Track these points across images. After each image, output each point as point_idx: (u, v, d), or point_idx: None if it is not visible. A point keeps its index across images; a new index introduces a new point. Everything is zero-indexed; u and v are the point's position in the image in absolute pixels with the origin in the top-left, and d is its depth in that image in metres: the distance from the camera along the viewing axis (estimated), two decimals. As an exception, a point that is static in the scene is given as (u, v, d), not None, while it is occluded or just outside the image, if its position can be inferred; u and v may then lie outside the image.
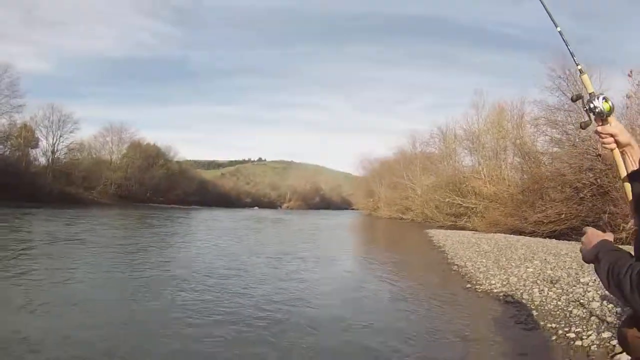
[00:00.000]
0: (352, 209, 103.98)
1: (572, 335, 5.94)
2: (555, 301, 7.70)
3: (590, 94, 1.84)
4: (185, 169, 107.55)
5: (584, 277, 9.00)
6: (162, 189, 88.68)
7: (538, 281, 9.48)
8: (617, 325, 5.47)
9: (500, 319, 7.36)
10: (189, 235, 25.97)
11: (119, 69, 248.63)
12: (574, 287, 8.35)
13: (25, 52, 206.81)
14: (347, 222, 51.73)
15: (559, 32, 1.99)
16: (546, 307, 7.49)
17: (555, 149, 26.31)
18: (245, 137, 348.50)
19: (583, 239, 1.68)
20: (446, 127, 48.54)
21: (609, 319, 6.23)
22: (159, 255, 15.40)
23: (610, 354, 5.19)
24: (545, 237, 20.17)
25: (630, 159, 1.77)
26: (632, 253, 1.56)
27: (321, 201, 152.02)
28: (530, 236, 21.23)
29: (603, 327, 5.96)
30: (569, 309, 7.05)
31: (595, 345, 5.51)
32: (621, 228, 14.52)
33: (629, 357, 1.74)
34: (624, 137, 1.78)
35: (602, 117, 1.81)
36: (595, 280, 8.47)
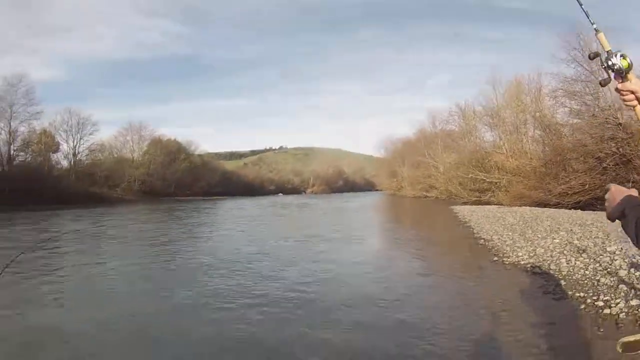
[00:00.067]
0: (376, 190, 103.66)
1: (601, 303, 5.90)
2: (582, 270, 7.65)
3: (607, 51, 1.78)
4: (207, 161, 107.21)
5: (610, 245, 8.91)
6: (186, 182, 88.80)
7: (565, 251, 9.42)
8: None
9: (528, 290, 7.34)
10: (216, 224, 26.21)
11: (135, 69, 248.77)
12: (600, 256, 8.28)
13: (38, 61, 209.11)
14: (372, 203, 51.71)
15: None
16: (574, 277, 7.45)
17: (575, 120, 25.75)
18: (265, 127, 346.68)
19: (607, 195, 1.64)
20: (465, 104, 47.94)
21: (637, 286, 6.19)
22: (188, 245, 15.68)
23: (639, 322, 5.18)
24: (570, 209, 19.89)
25: None
26: None
27: (345, 184, 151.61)
28: (555, 208, 20.96)
29: (631, 295, 5.93)
30: (597, 278, 7.00)
31: (623, 313, 5.49)
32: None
33: None
34: None
35: (622, 75, 1.75)
36: (622, 248, 8.41)
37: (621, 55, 1.75)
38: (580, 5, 1.93)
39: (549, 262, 8.85)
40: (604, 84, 1.86)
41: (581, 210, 18.94)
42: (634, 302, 5.63)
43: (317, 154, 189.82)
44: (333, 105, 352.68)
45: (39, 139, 57.62)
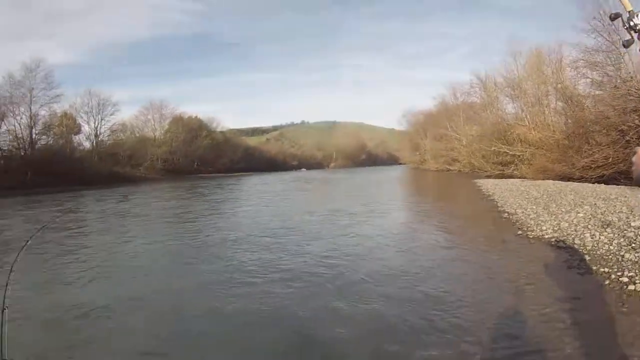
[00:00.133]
0: (399, 164, 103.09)
1: (625, 279, 5.88)
2: (607, 245, 7.58)
3: (629, 12, 1.75)
4: (229, 138, 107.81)
5: (635, 221, 8.77)
6: (209, 159, 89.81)
7: (589, 226, 9.31)
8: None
9: (552, 264, 7.32)
10: (240, 200, 26.51)
11: (155, 48, 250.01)
12: (625, 231, 8.18)
13: (57, 45, 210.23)
14: (395, 177, 51.57)
15: None
16: (598, 252, 7.40)
17: (597, 92, 24.96)
18: (286, 102, 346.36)
19: (634, 159, 1.62)
20: (485, 75, 46.92)
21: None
22: (213, 221, 15.83)
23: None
24: (593, 183, 19.47)
25: None
26: None
27: (367, 158, 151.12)
28: (579, 182, 20.61)
29: (656, 271, 5.89)
30: (621, 253, 6.95)
31: (648, 290, 5.45)
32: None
33: None
34: None
35: None
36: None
37: None
38: None
39: (573, 236, 8.79)
40: (627, 45, 1.84)
41: (605, 184, 18.51)
42: (658, 279, 5.59)
43: (339, 128, 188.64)
44: (354, 79, 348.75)
45: (60, 121, 58.43)
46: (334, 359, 4.42)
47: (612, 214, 10.16)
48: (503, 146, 35.47)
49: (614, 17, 1.87)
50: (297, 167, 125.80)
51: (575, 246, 8.10)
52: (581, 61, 25.91)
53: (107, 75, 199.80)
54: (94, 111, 67.60)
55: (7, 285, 3.11)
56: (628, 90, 20.58)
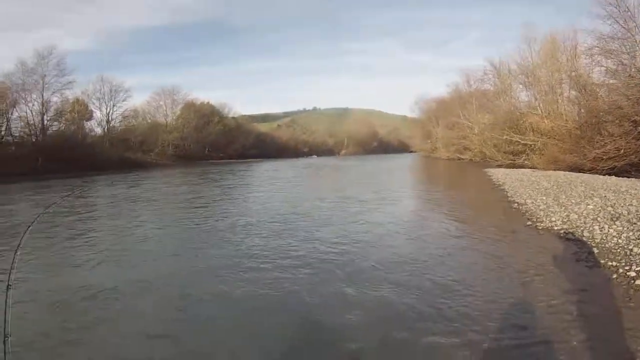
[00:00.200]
0: (410, 152, 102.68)
1: (633, 274, 5.87)
2: (615, 239, 7.57)
3: None
4: (241, 124, 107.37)
5: (645, 214, 8.76)
6: (220, 145, 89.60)
7: (598, 218, 9.29)
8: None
9: (561, 256, 7.32)
10: (251, 185, 26.54)
11: (166, 34, 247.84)
12: (634, 225, 8.15)
13: (70, 32, 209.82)
14: (406, 165, 51.43)
15: None
16: (607, 245, 7.39)
17: (611, 81, 24.27)
18: (298, 89, 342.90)
19: None
20: (499, 62, 46.03)
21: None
22: (224, 206, 15.90)
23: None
24: (604, 174, 19.32)
25: None
26: None
27: (379, 145, 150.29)
28: (589, 173, 20.43)
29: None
30: (630, 247, 6.93)
31: (655, 286, 5.45)
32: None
33: None
34: None
35: None
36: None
37: None
38: None
39: (582, 228, 8.77)
40: None
41: (615, 176, 18.38)
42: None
43: (351, 114, 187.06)
44: (366, 65, 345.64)
45: (72, 107, 58.45)
46: (343, 344, 4.46)
47: (621, 206, 10.12)
48: (515, 135, 35.15)
49: None
50: (308, 154, 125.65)
51: (584, 239, 8.09)
52: (596, 48, 25.07)
53: (118, 62, 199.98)
54: (106, 97, 67.57)
55: (12, 264, 3.20)
56: (643, 79, 20.22)
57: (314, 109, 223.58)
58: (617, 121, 21.63)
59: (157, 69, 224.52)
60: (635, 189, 12.62)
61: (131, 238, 10.32)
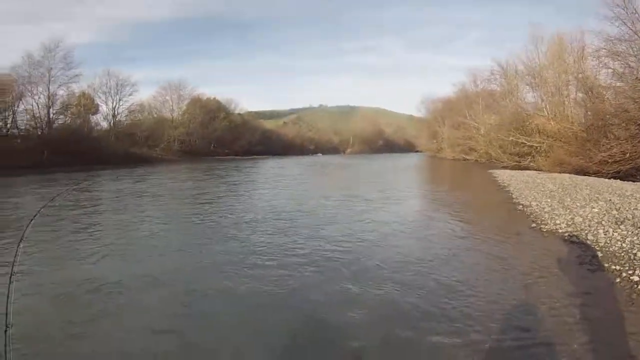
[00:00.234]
0: (416, 152, 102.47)
1: (636, 278, 5.88)
2: (619, 243, 7.57)
3: None
4: (247, 120, 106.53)
5: (649, 218, 8.76)
6: (226, 141, 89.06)
7: (603, 222, 9.28)
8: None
9: (564, 259, 7.33)
10: (256, 182, 26.60)
11: (174, 29, 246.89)
12: (639, 229, 8.17)
13: (77, 25, 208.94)
14: (411, 165, 51.34)
15: None
16: (610, 249, 7.40)
17: (618, 84, 24.09)
18: (304, 86, 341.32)
19: None
20: (506, 63, 45.92)
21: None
22: (228, 203, 15.94)
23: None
24: (609, 178, 19.27)
25: None
26: None
27: (384, 145, 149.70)
28: (595, 176, 20.34)
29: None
30: (634, 252, 6.93)
31: (658, 292, 5.47)
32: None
33: None
34: None
35: None
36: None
37: None
38: None
39: (586, 232, 8.77)
40: None
41: (620, 180, 18.33)
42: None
43: (357, 112, 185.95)
44: (373, 63, 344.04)
45: (78, 101, 58.18)
46: (346, 341, 4.50)
47: (626, 210, 10.11)
48: (521, 136, 35.08)
49: None
50: (314, 152, 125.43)
51: (588, 242, 8.10)
52: (603, 50, 24.82)
53: (125, 56, 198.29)
54: (112, 91, 67.29)
55: (15, 256, 3.24)
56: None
57: (320, 106, 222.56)
58: (623, 124, 21.53)
59: (163, 63, 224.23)
60: (641, 192, 12.61)
61: (136, 233, 10.37)
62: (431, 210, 14.16)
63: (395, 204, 15.02)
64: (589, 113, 27.62)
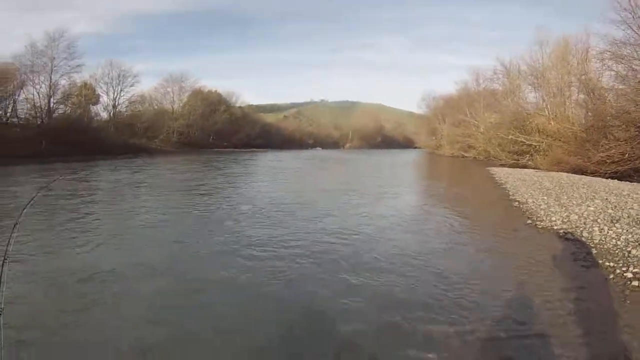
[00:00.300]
0: (415, 148, 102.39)
1: (630, 275, 5.95)
2: (614, 240, 7.63)
3: None
4: (247, 113, 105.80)
5: (645, 217, 8.79)
6: (226, 133, 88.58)
7: (598, 220, 9.34)
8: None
9: (559, 255, 7.37)
10: (255, 175, 26.56)
11: (177, 21, 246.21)
12: (634, 228, 8.22)
13: (82, 15, 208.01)
14: (410, 161, 51.38)
15: None
16: (605, 246, 7.45)
17: (620, 86, 24.19)
18: (305, 81, 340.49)
19: None
20: (510, 63, 45.87)
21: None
22: (226, 194, 15.96)
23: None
24: (607, 178, 19.35)
25: None
26: None
27: (383, 140, 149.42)
28: (592, 176, 20.41)
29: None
30: (628, 249, 6.99)
31: (651, 287, 5.51)
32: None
33: None
34: None
35: None
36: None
37: None
38: None
39: (581, 229, 8.83)
40: None
41: (618, 180, 18.39)
42: (663, 277, 5.63)
43: (358, 108, 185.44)
44: (375, 60, 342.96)
45: (79, 91, 57.79)
46: (342, 330, 4.56)
47: (622, 209, 10.17)
48: (521, 135, 35.15)
49: None
50: (313, 146, 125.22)
51: (583, 239, 8.15)
52: (607, 53, 24.90)
53: (126, 48, 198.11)
54: (113, 82, 66.72)
55: (9, 241, 3.24)
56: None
57: (321, 101, 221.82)
58: (623, 126, 21.66)
59: (165, 56, 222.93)
60: (637, 193, 12.67)
61: (133, 222, 10.36)
62: (429, 205, 14.20)
63: (393, 199, 15.07)
64: (590, 114, 27.70)
